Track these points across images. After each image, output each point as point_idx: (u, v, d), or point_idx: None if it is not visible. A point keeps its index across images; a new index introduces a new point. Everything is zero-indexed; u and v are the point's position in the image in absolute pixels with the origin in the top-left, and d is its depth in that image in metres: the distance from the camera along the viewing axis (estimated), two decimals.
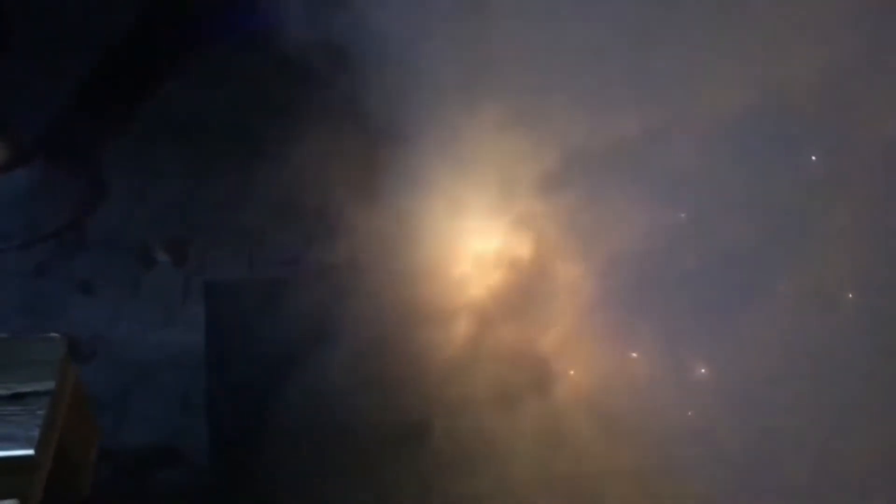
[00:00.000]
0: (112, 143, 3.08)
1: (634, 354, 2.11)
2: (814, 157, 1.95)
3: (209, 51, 3.35)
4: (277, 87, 3.08)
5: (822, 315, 1.91)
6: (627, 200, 2.07)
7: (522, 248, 2.36)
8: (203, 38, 3.37)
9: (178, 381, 2.37)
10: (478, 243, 2.43)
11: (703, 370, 2.01)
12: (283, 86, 3.03)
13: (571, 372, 2.22)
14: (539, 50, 2.07)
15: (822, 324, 1.89)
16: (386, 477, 2.02)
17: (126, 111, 3.18)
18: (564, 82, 2.04)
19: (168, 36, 3.39)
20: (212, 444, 2.19)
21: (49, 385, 1.42)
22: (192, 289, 2.62)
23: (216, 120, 3.12)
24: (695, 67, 1.91)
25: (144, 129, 3.14)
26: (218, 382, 2.32)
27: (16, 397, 1.41)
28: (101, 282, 2.63)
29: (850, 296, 1.94)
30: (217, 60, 3.32)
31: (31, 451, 1.34)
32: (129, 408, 2.29)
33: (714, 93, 1.92)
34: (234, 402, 2.28)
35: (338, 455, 2.07)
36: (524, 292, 2.31)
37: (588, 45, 1.98)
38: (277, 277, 2.62)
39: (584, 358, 2.20)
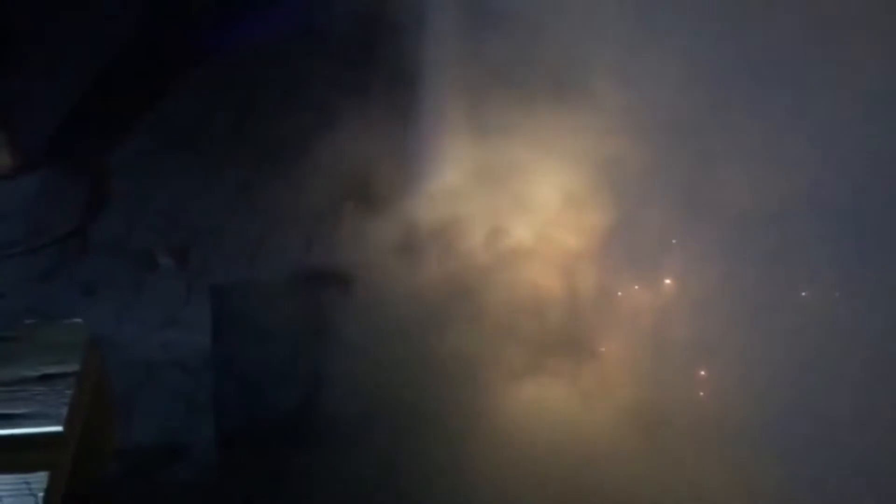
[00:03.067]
0: (115, 150, 3.12)
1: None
2: None
3: (211, 59, 3.40)
4: (278, 92, 3.15)
5: None
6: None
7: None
8: (205, 47, 3.42)
9: (183, 381, 2.41)
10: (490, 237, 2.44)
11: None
12: (283, 91, 3.11)
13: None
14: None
15: None
16: (392, 474, 2.02)
17: (129, 118, 3.23)
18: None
19: (171, 44, 3.43)
20: (217, 441, 2.22)
21: (75, 367, 1.48)
22: (196, 291, 2.66)
23: (218, 126, 3.16)
24: None
25: (147, 135, 3.19)
26: (223, 382, 2.35)
27: (43, 378, 1.46)
28: (106, 285, 2.67)
29: None
30: (218, 68, 3.37)
31: (60, 428, 1.39)
32: (135, 407, 2.31)
33: None
34: (239, 400, 2.31)
35: (342, 452, 2.08)
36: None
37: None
38: (280, 278, 2.65)
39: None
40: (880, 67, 1.80)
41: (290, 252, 2.73)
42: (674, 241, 2.15)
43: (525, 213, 2.37)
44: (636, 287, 2.24)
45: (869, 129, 1.86)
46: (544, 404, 2.12)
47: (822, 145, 1.90)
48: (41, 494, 1.30)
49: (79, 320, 1.56)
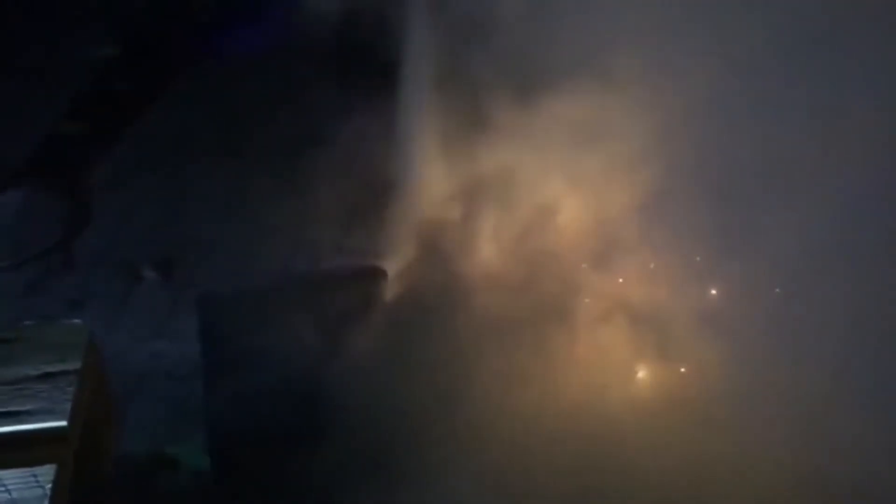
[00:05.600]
0: (98, 163, 3.13)
1: None
2: None
3: (193, 71, 3.42)
4: (262, 104, 3.18)
5: None
6: None
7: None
8: (188, 59, 3.44)
9: (172, 390, 2.43)
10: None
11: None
12: (267, 103, 3.14)
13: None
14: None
15: None
16: (388, 476, 1.98)
17: (112, 131, 3.24)
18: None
19: (152, 57, 3.45)
20: (209, 448, 2.22)
21: (76, 364, 1.49)
22: (182, 302, 2.67)
23: (201, 138, 3.18)
24: None
25: (130, 148, 3.20)
26: (213, 391, 2.35)
27: (45, 377, 1.47)
28: (91, 299, 2.68)
29: None
30: (201, 80, 3.39)
31: (64, 423, 1.40)
32: (127, 417, 2.31)
33: None
34: (231, 408, 2.32)
35: (338, 457, 2.05)
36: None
37: None
38: (267, 288, 2.64)
39: None
40: None
41: (279, 261, 2.75)
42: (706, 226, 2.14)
43: (543, 203, 2.38)
44: (669, 266, 2.24)
45: None
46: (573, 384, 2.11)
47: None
48: (49, 486, 1.32)
49: (78, 321, 1.58)
